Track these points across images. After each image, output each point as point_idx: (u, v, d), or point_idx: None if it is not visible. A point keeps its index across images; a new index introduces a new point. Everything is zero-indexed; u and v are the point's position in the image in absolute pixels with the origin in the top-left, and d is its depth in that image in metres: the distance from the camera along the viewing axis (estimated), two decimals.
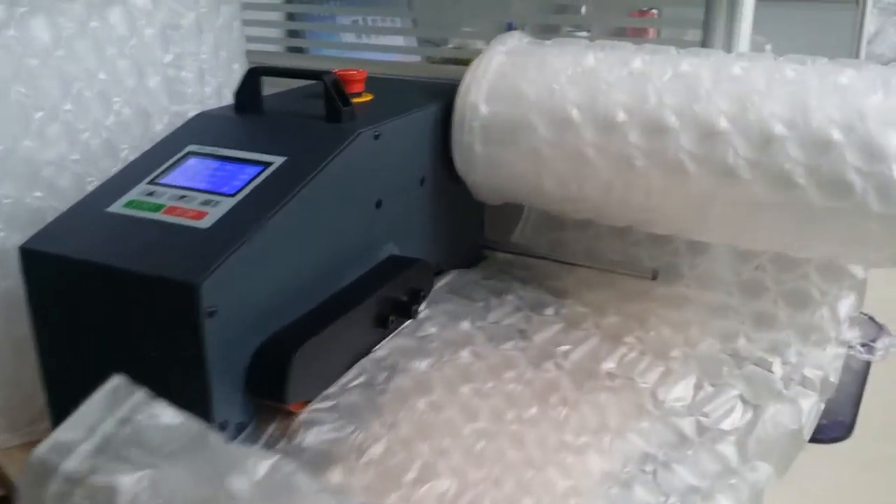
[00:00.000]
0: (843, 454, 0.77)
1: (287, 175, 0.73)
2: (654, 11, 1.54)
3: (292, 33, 1.67)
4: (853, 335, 0.81)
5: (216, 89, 0.98)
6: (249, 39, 1.28)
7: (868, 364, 0.84)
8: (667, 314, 0.85)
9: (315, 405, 0.71)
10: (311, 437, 0.67)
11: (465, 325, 0.85)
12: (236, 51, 1.04)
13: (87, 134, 0.85)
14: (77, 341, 0.70)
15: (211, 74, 0.97)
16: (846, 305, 0.82)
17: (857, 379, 0.84)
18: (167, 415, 0.50)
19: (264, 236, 0.67)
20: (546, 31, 1.62)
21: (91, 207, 0.74)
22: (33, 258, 0.69)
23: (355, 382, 0.74)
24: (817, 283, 0.84)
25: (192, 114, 0.87)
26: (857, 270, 0.83)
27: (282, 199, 0.69)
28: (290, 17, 1.70)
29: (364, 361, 0.76)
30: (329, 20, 1.77)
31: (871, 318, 0.85)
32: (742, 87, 0.77)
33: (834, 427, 0.80)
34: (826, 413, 0.76)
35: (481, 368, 0.77)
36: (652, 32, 1.59)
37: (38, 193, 0.82)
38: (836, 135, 0.72)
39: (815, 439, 0.75)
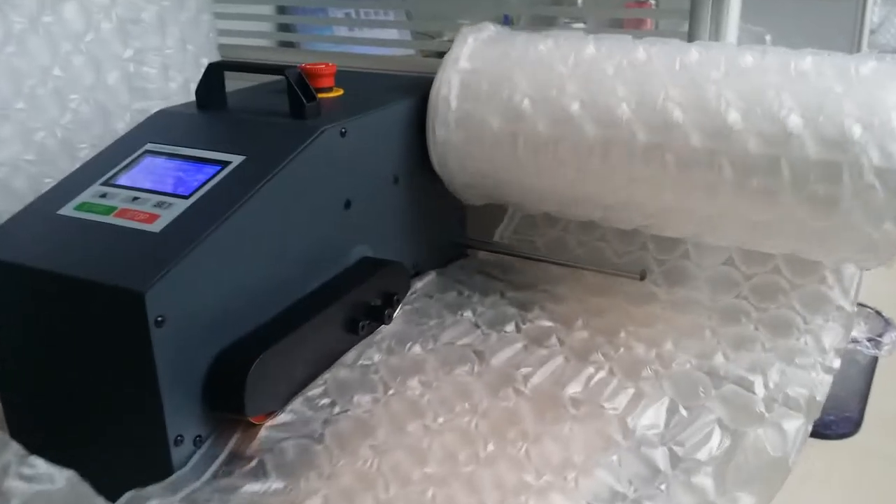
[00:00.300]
0: (851, 450, 0.76)
1: (245, 175, 0.70)
2: (652, 2, 1.51)
3: (283, 27, 1.65)
4: (860, 337, 0.78)
5: (182, 85, 0.96)
6: (239, 34, 1.26)
7: (875, 359, 0.81)
8: (638, 330, 0.80)
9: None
10: (240, 491, 0.62)
11: (416, 348, 0.78)
12: (206, 45, 1.01)
13: (41, 133, 0.82)
14: (29, 349, 0.68)
15: (177, 69, 0.95)
16: (831, 336, 0.77)
17: (864, 374, 0.82)
18: (44, 475, 0.44)
19: (218, 240, 0.64)
20: (542, 24, 1.60)
21: (42, 210, 0.71)
22: None
23: (287, 432, 0.67)
24: (801, 312, 0.79)
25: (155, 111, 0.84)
26: (845, 302, 0.79)
27: (238, 201, 0.66)
28: (281, 10, 1.68)
29: (298, 402, 0.69)
30: (321, 13, 1.75)
31: (878, 313, 0.82)
32: (734, 54, 0.75)
33: (842, 423, 0.79)
34: (834, 409, 0.74)
35: (432, 401, 0.70)
36: (650, 24, 1.56)
37: None
38: (835, 86, 0.69)
39: (822, 435, 0.73)
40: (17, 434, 0.69)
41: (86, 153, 0.86)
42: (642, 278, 0.89)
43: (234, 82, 0.93)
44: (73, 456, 0.69)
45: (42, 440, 0.70)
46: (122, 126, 0.90)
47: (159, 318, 0.60)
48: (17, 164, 0.81)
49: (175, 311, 0.61)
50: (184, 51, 0.96)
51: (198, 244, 0.63)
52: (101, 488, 0.62)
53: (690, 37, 0.92)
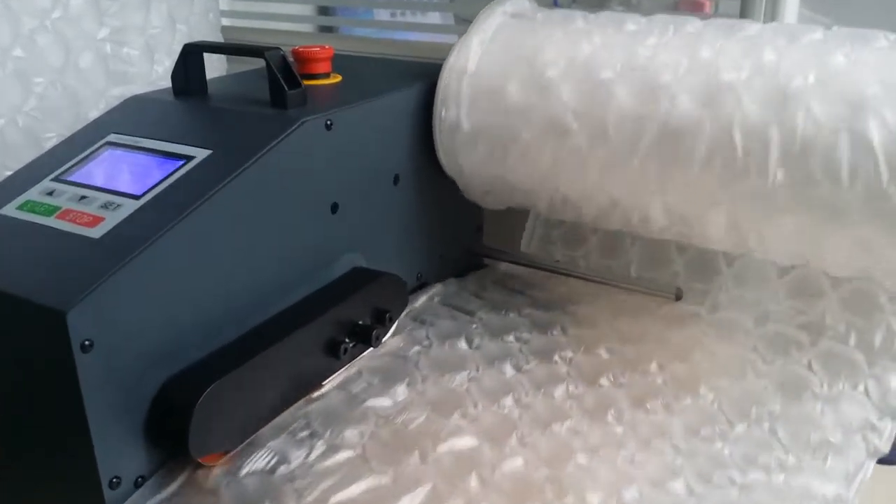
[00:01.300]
0: None
1: (207, 172, 0.62)
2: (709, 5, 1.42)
3: (322, 10, 1.58)
4: None
5: (171, 69, 0.87)
6: (280, 17, 1.19)
7: None
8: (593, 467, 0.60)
9: None
10: None
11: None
12: (202, 25, 0.93)
13: (0, 121, 0.74)
14: None
15: (164, 52, 0.87)
16: None
17: None
18: None
19: (163, 250, 0.56)
20: (593, 8, 1.51)
21: None
22: None
23: None
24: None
25: None
26: (845, 491, 0.61)
27: (192, 204, 0.58)
28: None
29: None
30: None
31: None
32: (824, 49, 0.65)
33: None
34: None
35: None
36: (708, 7, 1.46)
37: None
38: None
39: (886, 461, 0.65)
40: None
41: (53, 143, 0.78)
42: (678, 298, 0.79)
43: (240, 66, 0.86)
44: (9, 493, 0.62)
45: None
46: (96, 114, 0.82)
47: (86, 343, 0.52)
48: None
49: (107, 333, 0.53)
50: (173, 31, 0.88)
51: (137, 255, 0.54)
52: None
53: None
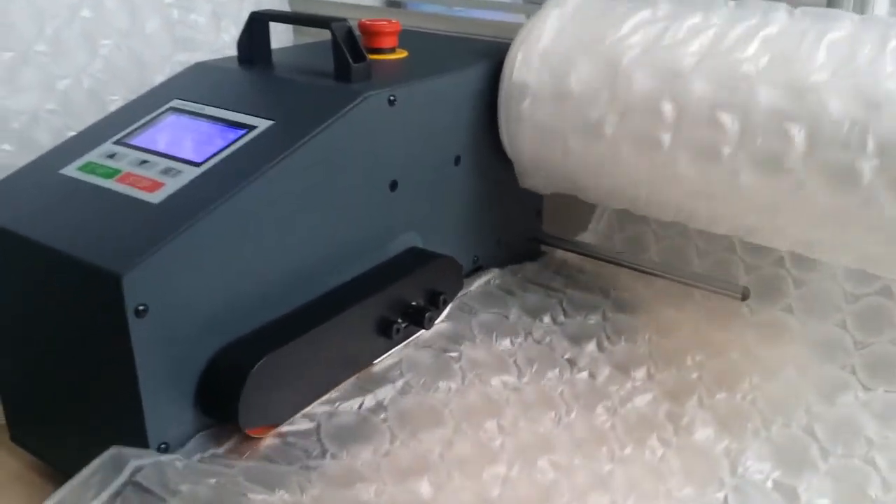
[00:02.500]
0: None
1: (268, 143, 0.61)
2: None
3: None
4: None
5: (237, 38, 0.87)
6: None
7: None
8: None
9: None
10: None
11: None
12: None
13: (66, 81, 0.75)
14: (9, 322, 0.61)
15: (231, 20, 0.87)
16: None
17: None
18: None
19: (222, 218, 0.56)
20: None
21: (45, 167, 0.65)
22: None
23: None
24: None
25: None
26: None
27: (252, 173, 0.58)
28: None
29: None
30: None
31: None
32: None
33: None
34: None
35: None
36: None
37: (6, 147, 0.74)
38: None
39: None
40: (11, 413, 0.65)
41: (117, 106, 0.79)
42: (744, 298, 0.77)
43: (306, 38, 0.85)
44: (58, 454, 0.63)
45: (33, 423, 0.64)
46: (160, 79, 0.82)
47: (141, 307, 0.52)
48: (38, 114, 0.74)
49: (162, 299, 0.53)
50: None
51: (196, 221, 0.54)
52: None
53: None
